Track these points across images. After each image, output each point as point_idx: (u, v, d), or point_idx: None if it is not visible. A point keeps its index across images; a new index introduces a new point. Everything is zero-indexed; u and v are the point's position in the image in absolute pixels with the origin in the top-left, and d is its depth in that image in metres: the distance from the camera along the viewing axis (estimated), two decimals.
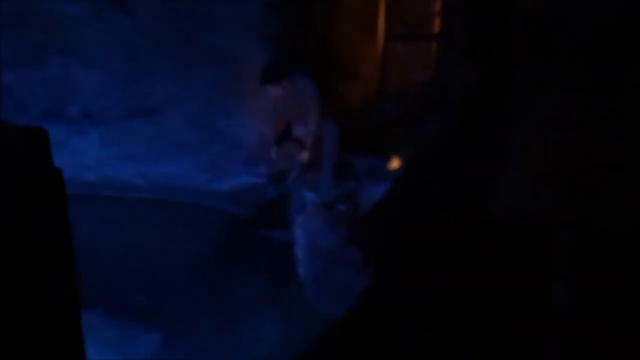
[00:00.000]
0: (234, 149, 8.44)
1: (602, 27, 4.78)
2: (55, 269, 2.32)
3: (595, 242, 3.49)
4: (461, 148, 4.81)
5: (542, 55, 5.01)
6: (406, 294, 3.91)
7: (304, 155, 7.43)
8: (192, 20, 8.28)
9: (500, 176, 4.50)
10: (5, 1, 8.24)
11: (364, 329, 4.02)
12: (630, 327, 3.24)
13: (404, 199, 4.93)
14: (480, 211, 4.17)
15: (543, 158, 4.39)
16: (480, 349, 3.54)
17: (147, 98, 8.56)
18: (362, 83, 10.61)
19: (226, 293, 6.33)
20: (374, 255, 4.94)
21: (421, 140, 6.04)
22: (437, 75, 9.33)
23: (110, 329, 6.42)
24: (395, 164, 6.50)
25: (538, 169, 4.44)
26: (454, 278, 3.74)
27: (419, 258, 3.94)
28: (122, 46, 8.42)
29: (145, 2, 8.22)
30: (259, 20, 8.14)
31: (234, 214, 8.05)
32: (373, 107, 10.06)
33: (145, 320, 6.58)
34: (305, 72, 7.75)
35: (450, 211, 4.40)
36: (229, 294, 6.33)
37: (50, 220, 2.30)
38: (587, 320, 3.36)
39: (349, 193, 6.88)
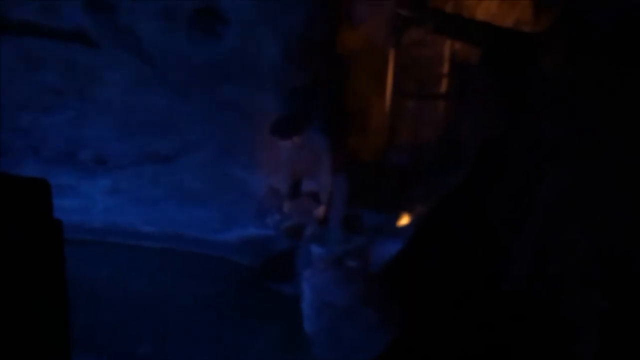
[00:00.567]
0: (244, 200, 8.41)
1: None
2: (51, 317, 2.36)
3: (623, 306, 3.43)
4: (481, 208, 4.76)
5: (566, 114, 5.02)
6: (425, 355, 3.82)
7: (320, 210, 7.39)
8: (209, 71, 8.35)
9: (520, 241, 4.43)
10: (24, 45, 8.36)
11: None
12: None
13: (421, 259, 4.85)
14: (499, 279, 4.11)
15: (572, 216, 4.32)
16: None
17: (160, 146, 8.57)
18: (372, 137, 10.66)
19: (233, 345, 6.19)
20: (391, 316, 4.84)
21: (438, 198, 5.99)
22: (450, 132, 9.38)
23: None
24: (405, 220, 6.43)
25: (566, 227, 4.35)
26: (472, 342, 3.66)
27: (438, 324, 3.85)
28: (137, 94, 8.47)
29: (164, 53, 8.30)
30: (276, 73, 8.21)
31: (242, 265, 7.98)
32: (382, 161, 10.08)
33: None
34: (317, 127, 7.78)
35: (467, 276, 4.33)
36: (236, 346, 6.19)
37: (47, 270, 2.33)
38: None
39: (358, 249, 6.80)
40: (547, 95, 6.04)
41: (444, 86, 9.71)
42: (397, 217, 7.31)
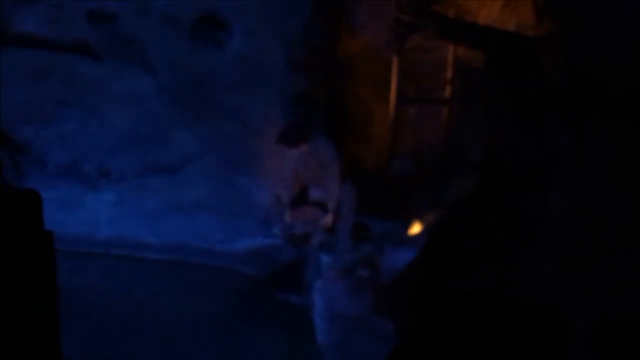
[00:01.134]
0: (250, 210, 8.30)
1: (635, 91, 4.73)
2: (41, 329, 2.30)
3: (612, 330, 3.46)
4: (492, 216, 4.68)
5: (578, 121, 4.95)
6: None
7: (328, 219, 7.28)
8: (212, 80, 8.27)
9: (531, 251, 4.37)
10: (27, 57, 8.28)
11: None
12: None
13: (433, 268, 4.76)
14: (507, 290, 4.05)
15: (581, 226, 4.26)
16: None
17: (165, 156, 8.48)
18: (375, 144, 10.57)
19: (243, 358, 6.05)
20: (403, 326, 4.75)
21: (448, 206, 5.90)
22: (455, 138, 9.29)
23: None
24: (416, 228, 6.33)
25: (575, 238, 4.30)
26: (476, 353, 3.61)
27: (445, 334, 3.77)
28: (141, 105, 8.39)
29: (168, 63, 8.22)
30: (279, 82, 8.12)
31: (250, 275, 7.86)
32: (386, 168, 9.98)
33: None
34: (323, 135, 7.69)
35: (478, 285, 4.26)
36: (246, 359, 6.06)
37: (38, 282, 2.28)
38: None
39: (368, 257, 6.69)
40: (552, 101, 5.98)
41: (447, 91, 9.63)
42: (404, 224, 7.20)
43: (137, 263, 8.22)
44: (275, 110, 8.19)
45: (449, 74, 9.56)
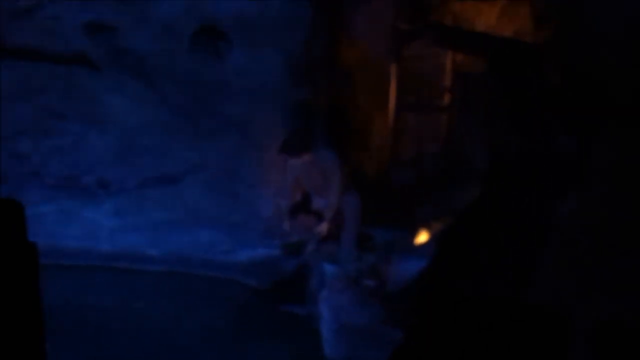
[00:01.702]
0: (252, 220, 8.20)
1: None
2: (24, 340, 2.22)
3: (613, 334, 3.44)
4: (501, 224, 4.61)
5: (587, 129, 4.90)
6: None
7: (323, 228, 7.20)
8: (212, 91, 8.19)
9: (541, 258, 4.32)
10: (24, 69, 8.19)
11: None
12: None
13: (444, 278, 4.68)
14: (519, 296, 4.00)
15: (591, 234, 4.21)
16: None
17: (165, 167, 8.37)
18: (375, 153, 10.50)
19: None
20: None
21: (455, 214, 5.82)
22: (456, 146, 9.23)
23: None
24: (422, 237, 6.24)
25: (585, 246, 4.25)
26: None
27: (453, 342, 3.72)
28: (140, 116, 8.29)
29: (167, 74, 8.14)
30: (279, 91, 8.05)
31: (252, 286, 7.75)
32: (387, 177, 9.92)
33: None
34: (325, 144, 7.62)
35: (489, 293, 4.19)
36: None
37: (21, 294, 2.21)
38: None
39: (373, 267, 6.59)
40: (555, 106, 5.93)
41: (446, 99, 9.59)
42: (408, 233, 7.12)
43: (138, 275, 8.10)
44: (276, 120, 8.10)
45: (448, 81, 9.52)
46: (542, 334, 3.53)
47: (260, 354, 6.10)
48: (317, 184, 7.10)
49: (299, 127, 7.97)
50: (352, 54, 10.00)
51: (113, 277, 8.03)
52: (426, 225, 6.35)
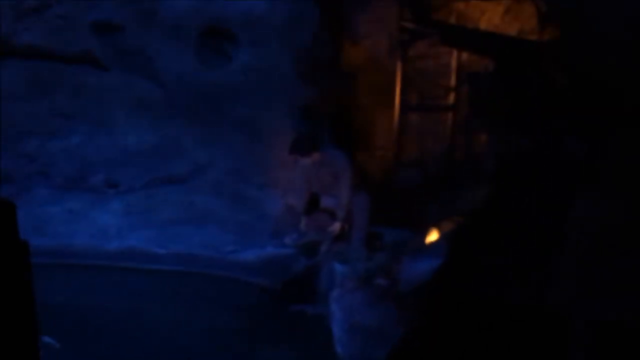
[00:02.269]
0: (260, 220, 8.20)
1: None
2: (17, 339, 2.17)
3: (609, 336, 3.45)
4: (510, 227, 4.61)
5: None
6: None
7: (336, 227, 7.20)
8: (219, 91, 8.18)
9: (556, 262, 4.31)
10: (32, 69, 8.17)
11: None
12: None
13: (457, 278, 4.67)
14: (537, 301, 4.00)
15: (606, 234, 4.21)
16: None
17: (173, 167, 8.36)
18: (380, 153, 10.49)
19: None
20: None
21: (466, 215, 5.82)
22: (461, 146, 9.23)
23: None
24: (433, 237, 6.25)
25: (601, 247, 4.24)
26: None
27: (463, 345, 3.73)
28: (149, 116, 8.28)
29: (175, 74, 8.12)
30: (287, 91, 8.04)
31: (261, 286, 7.74)
32: (392, 176, 9.92)
33: None
34: (335, 144, 7.62)
35: (499, 296, 4.20)
36: None
37: (12, 295, 2.16)
38: None
39: (382, 266, 6.60)
40: (562, 107, 5.93)
41: (451, 98, 9.59)
42: (417, 233, 7.12)
43: (146, 275, 8.08)
44: (284, 120, 8.10)
45: (453, 80, 9.52)
46: (542, 334, 3.54)
47: (271, 354, 6.09)
48: (326, 183, 7.10)
49: (307, 126, 7.97)
50: (356, 54, 10.00)
51: (122, 276, 8.01)
52: (436, 224, 6.34)
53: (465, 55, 9.32)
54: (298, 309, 6.98)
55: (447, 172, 9.36)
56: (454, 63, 9.46)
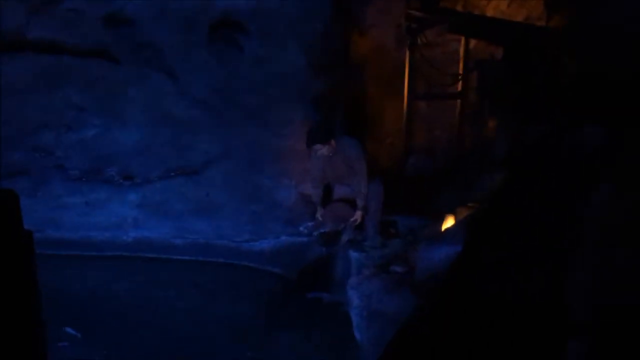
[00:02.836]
0: (274, 209, 8.28)
1: None
2: (21, 328, 2.19)
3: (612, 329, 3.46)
4: (533, 214, 4.64)
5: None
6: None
7: (357, 216, 7.27)
8: (232, 83, 8.22)
9: (574, 255, 4.33)
10: (44, 62, 8.21)
11: None
12: None
13: (476, 268, 4.72)
14: (557, 298, 4.03)
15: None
16: None
17: (187, 159, 8.43)
18: (389, 142, 10.56)
19: (284, 356, 6.00)
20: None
21: (483, 202, 5.88)
22: (471, 134, 9.27)
23: None
24: (449, 224, 6.31)
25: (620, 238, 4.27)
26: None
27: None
28: (161, 108, 8.33)
29: (187, 66, 8.16)
30: (300, 82, 8.08)
31: (277, 274, 7.84)
32: (402, 164, 9.98)
33: None
34: (348, 133, 7.67)
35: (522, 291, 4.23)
36: (285, 356, 6.01)
37: (16, 286, 2.18)
38: None
39: (398, 254, 6.67)
40: (572, 97, 5.94)
41: (459, 86, 9.63)
42: (432, 221, 7.19)
43: (163, 264, 8.18)
44: (297, 111, 8.15)
45: (461, 68, 9.55)
46: (541, 333, 3.56)
47: (291, 341, 6.16)
48: (340, 173, 7.17)
49: (320, 116, 8.02)
50: (363, 43, 10.04)
51: (139, 267, 8.11)
52: (451, 211, 6.41)
53: (473, 43, 9.36)
54: (314, 297, 7.06)
55: (456, 159, 9.42)
56: (461, 51, 9.49)
